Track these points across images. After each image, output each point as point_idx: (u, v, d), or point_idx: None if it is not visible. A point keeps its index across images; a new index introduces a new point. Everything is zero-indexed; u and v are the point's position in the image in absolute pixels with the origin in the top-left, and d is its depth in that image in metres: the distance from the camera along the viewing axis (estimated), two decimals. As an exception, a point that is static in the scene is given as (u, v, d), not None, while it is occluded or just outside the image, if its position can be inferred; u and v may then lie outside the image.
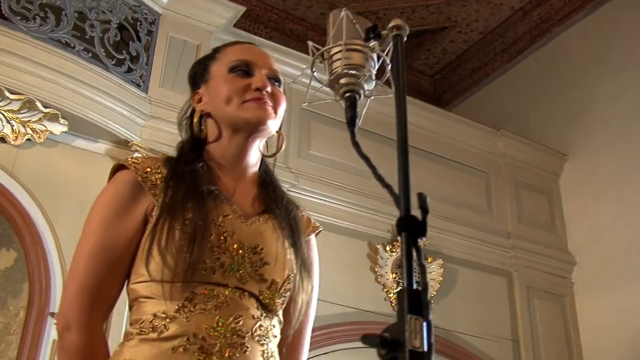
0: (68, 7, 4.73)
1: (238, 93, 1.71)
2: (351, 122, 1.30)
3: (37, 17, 4.56)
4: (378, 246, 5.74)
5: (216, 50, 1.85)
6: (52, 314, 4.22)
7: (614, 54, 6.89)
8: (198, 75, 1.83)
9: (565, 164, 7.06)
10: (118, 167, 1.69)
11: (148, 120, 4.86)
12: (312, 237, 1.85)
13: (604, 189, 6.59)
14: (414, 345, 0.99)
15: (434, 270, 5.83)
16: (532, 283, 6.40)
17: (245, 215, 1.66)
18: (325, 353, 5.13)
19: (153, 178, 1.63)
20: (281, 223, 1.70)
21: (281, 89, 1.80)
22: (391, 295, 5.64)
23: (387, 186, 1.18)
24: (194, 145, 1.74)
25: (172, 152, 4.79)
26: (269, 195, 1.75)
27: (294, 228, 1.72)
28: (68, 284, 1.58)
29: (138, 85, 4.91)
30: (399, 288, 1.12)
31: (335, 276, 5.16)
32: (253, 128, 1.71)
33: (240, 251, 1.58)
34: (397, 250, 5.78)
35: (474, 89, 8.43)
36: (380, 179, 1.22)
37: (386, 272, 5.69)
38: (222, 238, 1.57)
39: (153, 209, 1.60)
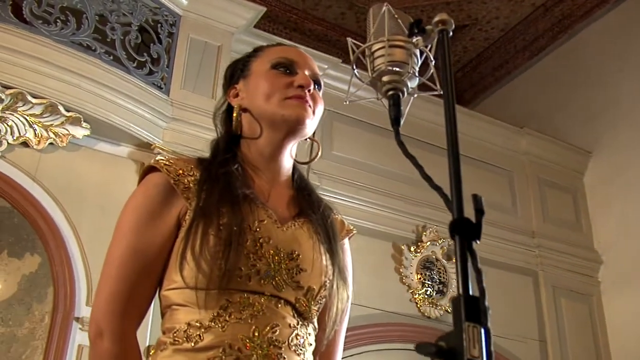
0: (89, 10, 4.71)
1: (280, 89, 1.66)
2: (395, 121, 1.25)
3: (58, 20, 4.55)
4: (402, 247, 5.69)
5: (258, 49, 1.81)
6: (77, 319, 4.20)
7: (637, 49, 6.80)
8: (237, 70, 1.78)
9: (589, 162, 6.98)
10: (149, 169, 1.62)
11: (170, 122, 4.84)
12: (346, 240, 1.80)
13: (629, 186, 6.50)
14: (473, 355, 0.94)
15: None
16: (558, 282, 6.32)
17: (281, 220, 1.61)
18: (351, 355, 5.08)
19: (185, 181, 1.57)
20: (317, 228, 1.65)
21: (320, 94, 1.76)
22: (416, 296, 5.59)
23: (437, 188, 1.14)
24: (229, 144, 1.69)
25: (194, 153, 4.77)
26: (305, 200, 1.70)
27: (330, 235, 1.66)
28: (100, 291, 1.53)
29: (159, 88, 4.89)
30: (455, 295, 1.09)
31: (359, 277, 5.09)
32: (292, 126, 1.65)
33: (277, 257, 1.53)
34: (422, 250, 5.73)
35: (496, 87, 8.35)
36: (428, 179, 1.17)
37: (411, 273, 5.64)
38: (258, 244, 1.52)
39: (186, 213, 1.55)
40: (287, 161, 1.72)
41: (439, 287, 5.71)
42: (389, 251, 5.68)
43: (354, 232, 1.82)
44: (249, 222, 1.53)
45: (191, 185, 1.57)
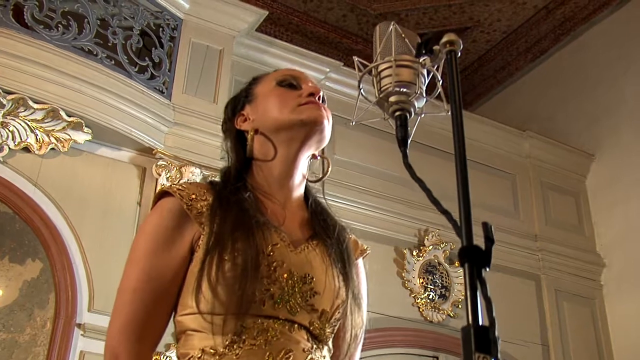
0: (90, 15, 4.70)
1: (290, 100, 1.67)
2: (403, 142, 1.24)
3: (59, 25, 4.53)
4: (405, 251, 5.68)
5: (257, 77, 1.82)
6: (79, 325, 4.19)
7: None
8: (239, 99, 1.78)
9: (592, 165, 6.97)
10: (162, 194, 1.61)
11: (172, 127, 4.83)
12: (360, 261, 1.79)
13: (632, 188, 6.49)
14: (483, 386, 0.93)
15: (461, 275, 5.74)
16: (561, 286, 6.31)
17: (294, 243, 1.59)
18: (353, 360, 5.07)
19: (199, 205, 1.56)
20: (330, 251, 1.63)
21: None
22: (418, 300, 5.57)
23: (445, 212, 1.12)
24: (239, 171, 1.68)
25: (196, 158, 4.76)
26: (319, 223, 1.68)
27: (345, 259, 1.65)
28: (114, 318, 1.51)
29: (161, 92, 4.88)
30: (464, 325, 1.07)
31: (361, 282, 5.10)
32: (310, 129, 1.65)
33: (290, 281, 1.52)
34: (424, 254, 5.72)
35: (498, 89, 8.34)
36: (436, 203, 1.15)
37: (413, 277, 5.62)
38: (272, 268, 1.50)
39: (199, 238, 1.54)
40: (299, 181, 1.71)
41: (441, 292, 5.69)
42: (391, 255, 5.67)
43: (368, 252, 1.81)
44: (262, 247, 1.52)
45: (204, 210, 1.56)
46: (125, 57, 4.77)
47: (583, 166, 6.98)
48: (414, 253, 5.70)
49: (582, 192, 6.92)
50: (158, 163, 4.69)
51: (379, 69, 1.29)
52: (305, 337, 1.52)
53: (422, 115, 1.30)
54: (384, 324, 5.36)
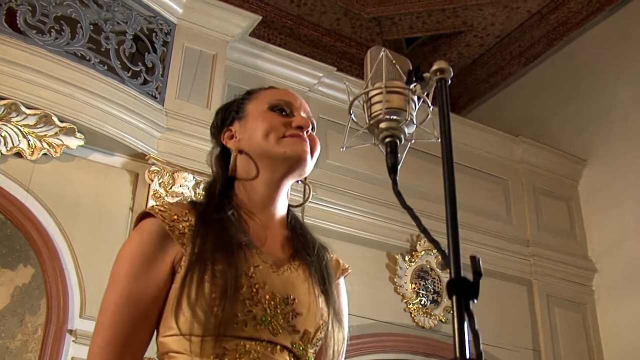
0: (83, 19, 4.69)
1: (278, 128, 1.66)
2: (392, 169, 1.24)
3: (52, 30, 4.52)
4: (397, 256, 5.68)
5: (251, 92, 1.81)
6: (71, 331, 4.18)
7: (633, 57, 6.81)
8: (231, 112, 1.77)
9: (584, 170, 6.99)
10: (143, 215, 1.61)
11: (164, 132, 4.82)
12: (342, 280, 1.80)
13: (624, 194, 6.51)
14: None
15: (454, 280, 5.76)
16: (553, 291, 6.32)
17: (276, 264, 1.60)
18: (345, 366, 5.07)
19: (180, 226, 1.56)
20: (312, 270, 1.64)
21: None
22: (410, 306, 5.58)
23: (434, 242, 1.13)
24: (224, 187, 1.68)
25: (188, 164, 4.75)
26: (299, 241, 1.69)
27: (325, 277, 1.66)
28: (95, 338, 1.51)
29: (154, 97, 4.87)
30: (452, 358, 1.07)
31: (353, 287, 5.10)
32: (292, 164, 1.65)
33: (273, 302, 1.52)
34: (416, 260, 5.72)
35: (491, 93, 8.35)
36: (425, 232, 1.16)
37: (405, 283, 5.63)
38: (254, 290, 1.51)
39: (181, 259, 1.54)
40: (282, 203, 1.71)
41: (433, 297, 5.70)
42: (383, 260, 5.67)
43: (350, 271, 1.81)
44: (244, 269, 1.52)
45: (186, 230, 1.56)
46: (118, 62, 4.77)
47: (575, 171, 7.00)
48: (406, 258, 5.70)
49: (575, 197, 6.94)
50: (151, 169, 4.68)
51: (370, 95, 1.29)
52: (287, 358, 1.52)
53: (412, 142, 1.30)
54: (375, 329, 5.36)
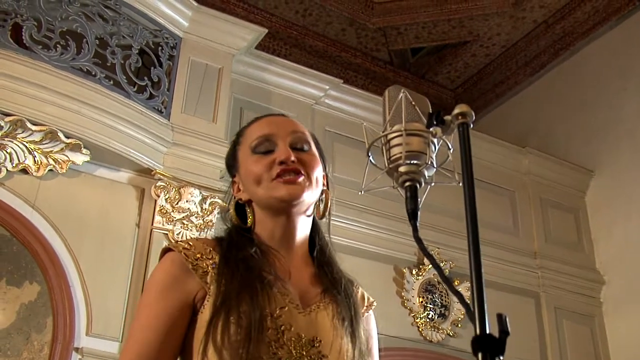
0: (89, 34, 4.67)
1: (266, 171, 1.65)
2: (412, 215, 1.21)
3: (58, 45, 4.50)
4: (404, 270, 5.65)
5: (239, 134, 1.80)
6: (77, 349, 4.15)
7: (639, 66, 6.77)
8: (230, 164, 1.79)
9: (591, 181, 6.95)
10: (167, 250, 1.62)
11: (170, 147, 4.79)
12: (371, 314, 1.79)
13: (632, 205, 6.47)
14: None
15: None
16: (560, 304, 6.28)
17: (303, 303, 1.58)
18: (352, 381, 5.04)
19: (204, 265, 1.56)
20: (340, 309, 1.62)
21: (312, 149, 1.73)
22: (418, 320, 5.54)
23: (457, 293, 1.10)
24: (242, 233, 1.67)
25: (195, 179, 4.72)
26: (327, 277, 1.67)
27: (352, 316, 1.63)
28: (124, 355, 1.52)
29: (160, 112, 4.85)
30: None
31: (360, 301, 5.07)
32: (288, 206, 1.64)
33: (298, 345, 1.51)
34: (424, 273, 5.69)
35: (496, 103, 8.32)
36: (447, 281, 1.13)
37: (413, 297, 5.60)
38: (279, 332, 1.50)
39: (203, 298, 1.53)
40: (301, 233, 1.70)
41: (440, 311, 5.67)
42: (390, 274, 5.64)
43: (375, 304, 1.79)
44: (270, 310, 1.51)
45: (209, 269, 1.56)
46: (124, 77, 4.74)
47: (582, 182, 6.96)
48: (414, 272, 5.67)
49: (582, 208, 6.90)
50: (157, 184, 4.66)
51: (389, 137, 1.26)
52: None
53: (432, 184, 1.28)
54: (383, 343, 5.28)
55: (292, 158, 1.65)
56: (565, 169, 6.91)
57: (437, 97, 8.41)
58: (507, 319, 0.99)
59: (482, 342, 1.00)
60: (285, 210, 1.65)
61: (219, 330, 1.46)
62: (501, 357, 1.00)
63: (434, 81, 8.46)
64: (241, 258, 1.57)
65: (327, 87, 5.85)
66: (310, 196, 1.66)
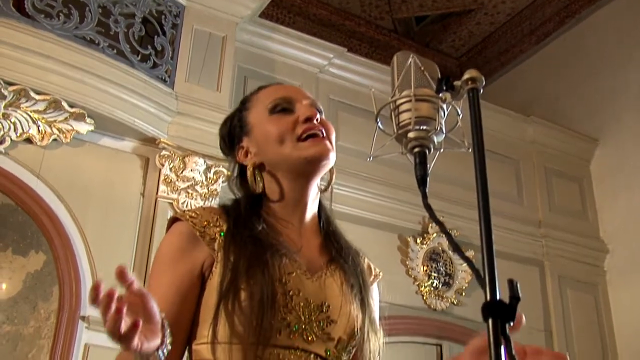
0: (92, 2, 4.63)
1: (289, 130, 1.61)
2: (422, 181, 1.21)
3: (60, 14, 4.47)
4: (409, 238, 5.66)
5: (245, 101, 1.75)
6: (83, 318, 4.17)
7: (646, 35, 6.73)
8: (235, 129, 1.72)
9: (596, 150, 6.93)
10: (174, 220, 1.61)
11: (175, 116, 4.78)
12: (375, 286, 1.77)
13: (636, 174, 6.46)
14: None
15: (465, 263, 5.73)
16: (564, 272, 6.30)
17: (311, 270, 1.57)
18: (357, 349, 5.07)
19: (211, 232, 1.55)
20: (348, 276, 1.61)
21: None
22: (422, 288, 5.56)
23: (467, 260, 1.09)
24: (250, 205, 1.64)
25: (199, 148, 4.71)
26: (334, 247, 1.66)
27: (361, 284, 1.63)
28: None
29: (164, 81, 4.82)
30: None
31: (365, 270, 5.08)
32: (315, 166, 1.61)
33: (307, 310, 1.51)
34: (428, 242, 5.70)
35: (501, 71, 8.27)
36: (458, 249, 1.12)
37: (417, 265, 5.61)
38: (288, 297, 1.49)
39: (211, 265, 1.53)
40: (313, 204, 1.68)
41: (445, 279, 5.68)
42: (394, 243, 5.65)
43: (381, 275, 1.79)
44: (278, 276, 1.50)
45: (217, 236, 1.55)
46: (128, 46, 4.72)
47: (587, 151, 6.94)
48: (418, 241, 5.68)
49: (586, 177, 6.89)
50: (161, 153, 4.65)
51: (397, 103, 1.25)
52: None
53: (441, 151, 1.27)
54: (387, 312, 5.33)
55: (318, 117, 1.64)
56: (570, 137, 6.88)
57: (442, 66, 8.26)
58: (518, 285, 0.98)
59: (492, 308, 0.99)
60: (308, 172, 1.62)
61: (230, 297, 1.46)
62: (511, 323, 0.99)
63: (438, 50, 8.40)
64: (249, 234, 1.55)
65: (332, 55, 5.82)
66: (333, 159, 1.64)
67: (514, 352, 0.97)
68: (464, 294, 5.68)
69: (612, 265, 6.48)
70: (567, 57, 7.51)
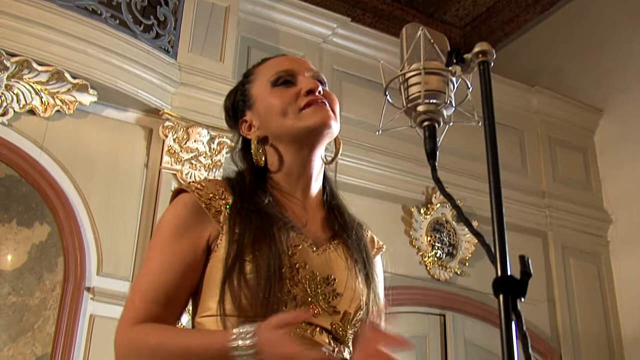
0: (94, -28, 4.59)
1: (291, 103, 1.62)
2: (431, 155, 1.20)
3: (62, -17, 4.44)
4: (412, 209, 5.66)
5: (248, 74, 1.76)
6: (88, 289, 4.19)
7: (651, 6, 6.67)
8: (238, 103, 1.73)
9: (600, 120, 6.89)
10: (179, 191, 1.60)
11: (178, 87, 4.76)
12: (378, 258, 1.77)
13: (640, 144, 6.44)
14: None
15: (469, 233, 5.73)
16: (568, 242, 6.30)
17: (316, 243, 1.58)
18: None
19: (217, 204, 1.55)
20: (351, 251, 1.61)
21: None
22: (426, 258, 5.57)
23: (478, 234, 1.09)
24: (255, 178, 1.64)
25: (203, 119, 4.69)
26: (338, 221, 1.66)
27: (365, 258, 1.64)
28: (130, 298, 1.51)
29: (167, 52, 4.79)
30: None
31: (369, 241, 5.08)
32: (318, 134, 1.61)
33: (313, 283, 1.51)
34: (432, 212, 5.70)
35: (505, 41, 8.19)
36: (468, 224, 1.12)
37: (421, 236, 5.61)
38: (294, 270, 1.49)
39: (217, 237, 1.52)
40: (318, 177, 1.68)
41: (448, 250, 5.69)
42: (398, 213, 5.65)
43: (384, 248, 1.79)
44: (285, 249, 1.50)
45: (223, 209, 1.55)
46: (130, 16, 4.68)
47: (591, 122, 6.91)
48: (422, 211, 5.68)
49: (590, 148, 6.87)
50: (165, 124, 4.64)
51: (407, 76, 1.24)
52: (327, 340, 1.51)
53: (451, 124, 1.26)
54: (391, 282, 5.33)
55: (320, 89, 1.63)
56: (574, 108, 6.85)
57: (445, 36, 8.27)
58: (530, 261, 0.98)
59: (503, 284, 0.99)
60: (311, 142, 1.62)
61: (236, 270, 1.46)
62: (522, 299, 0.99)
63: (442, 20, 8.33)
64: (254, 209, 1.55)
65: (335, 25, 5.77)
66: (336, 128, 1.64)
67: (524, 328, 0.97)
68: (467, 264, 5.69)
69: (615, 235, 6.47)
70: (571, 27, 7.45)
